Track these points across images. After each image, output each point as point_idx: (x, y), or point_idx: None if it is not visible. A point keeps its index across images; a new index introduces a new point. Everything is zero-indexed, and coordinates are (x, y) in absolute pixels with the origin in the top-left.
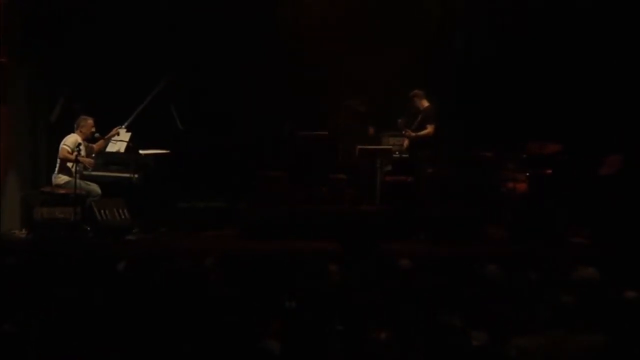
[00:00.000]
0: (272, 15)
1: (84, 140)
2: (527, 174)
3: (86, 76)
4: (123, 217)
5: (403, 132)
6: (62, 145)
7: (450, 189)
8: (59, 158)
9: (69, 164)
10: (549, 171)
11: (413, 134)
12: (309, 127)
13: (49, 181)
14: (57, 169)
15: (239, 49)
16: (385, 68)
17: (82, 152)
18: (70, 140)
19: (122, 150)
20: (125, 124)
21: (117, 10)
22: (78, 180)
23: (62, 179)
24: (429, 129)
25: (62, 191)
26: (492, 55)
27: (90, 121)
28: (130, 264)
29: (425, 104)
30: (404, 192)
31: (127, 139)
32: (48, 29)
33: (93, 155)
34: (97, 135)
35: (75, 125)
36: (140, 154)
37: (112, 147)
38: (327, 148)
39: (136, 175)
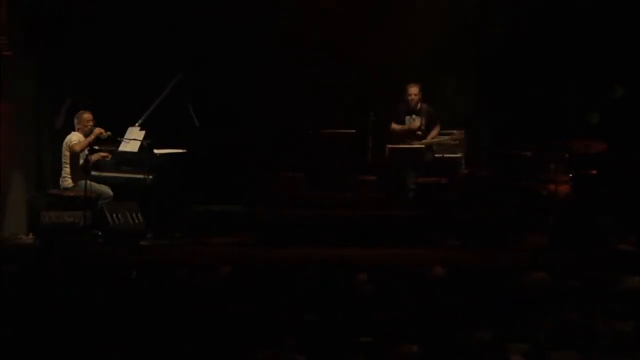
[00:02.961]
0: (291, 3)
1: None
2: (570, 175)
3: (95, 73)
4: (136, 221)
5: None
6: (69, 144)
7: (487, 192)
8: (67, 157)
9: (80, 162)
10: (594, 172)
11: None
12: (332, 124)
13: (55, 183)
14: (63, 171)
15: (256, 41)
16: (415, 59)
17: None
18: (75, 137)
19: (135, 149)
20: (139, 121)
21: (125, 5)
22: (88, 182)
23: (70, 182)
24: (437, 129)
25: (70, 194)
26: (532, 43)
27: (86, 115)
28: (143, 271)
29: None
30: (437, 194)
31: (140, 138)
32: (54, 24)
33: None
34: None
35: (75, 121)
36: (155, 154)
37: (124, 147)
38: (353, 147)
39: (150, 177)
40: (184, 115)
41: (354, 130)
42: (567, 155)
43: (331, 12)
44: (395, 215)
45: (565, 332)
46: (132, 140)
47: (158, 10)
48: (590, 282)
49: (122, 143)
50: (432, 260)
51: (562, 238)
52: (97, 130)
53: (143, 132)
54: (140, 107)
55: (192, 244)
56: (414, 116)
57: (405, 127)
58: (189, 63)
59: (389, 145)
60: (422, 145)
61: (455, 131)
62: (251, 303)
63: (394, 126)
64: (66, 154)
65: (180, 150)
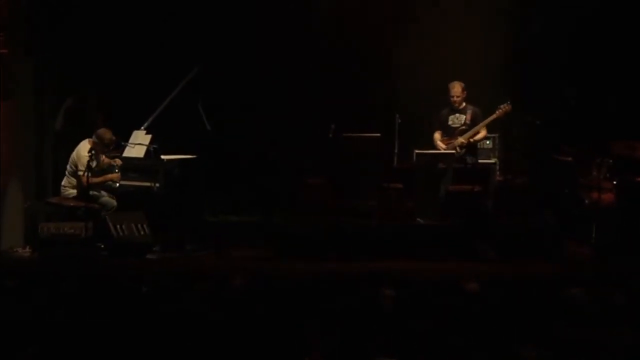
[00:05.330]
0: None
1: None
2: (614, 182)
3: (97, 73)
4: (142, 232)
5: (448, 141)
6: (82, 163)
7: (524, 200)
8: (74, 170)
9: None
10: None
11: (466, 141)
12: (356, 127)
13: (56, 191)
14: (67, 179)
15: (273, 39)
16: (445, 58)
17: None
18: (84, 154)
19: (141, 155)
20: (145, 125)
21: (131, 2)
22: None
23: (72, 192)
24: (484, 132)
25: (71, 203)
26: (570, 41)
27: (109, 136)
28: (150, 287)
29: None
30: (470, 203)
31: (146, 142)
32: (56, 19)
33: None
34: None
35: (94, 137)
36: (163, 160)
37: (129, 152)
38: (379, 152)
39: (157, 184)
40: (195, 117)
41: (379, 134)
42: (610, 159)
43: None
44: (425, 226)
45: (610, 352)
46: (138, 145)
47: (166, 6)
48: (636, 297)
49: (127, 148)
50: (465, 275)
51: (606, 249)
52: (113, 176)
53: (149, 136)
54: (146, 109)
55: (205, 257)
56: (457, 114)
57: (450, 146)
58: (201, 62)
59: (417, 150)
60: (453, 151)
61: (502, 105)
62: (270, 319)
63: (436, 137)
64: (76, 168)
65: (190, 156)
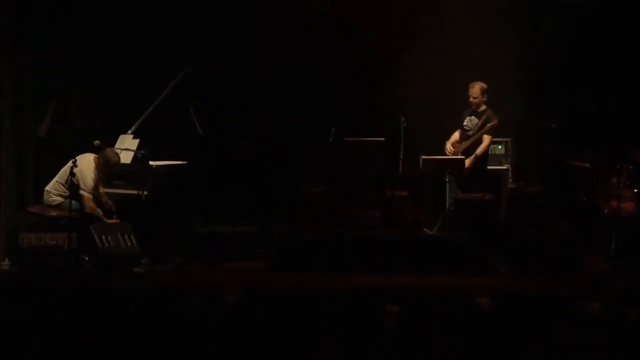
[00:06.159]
0: None
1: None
2: (635, 189)
3: (83, 75)
4: (129, 244)
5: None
6: (84, 176)
7: (538, 209)
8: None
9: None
10: None
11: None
12: (358, 131)
13: (37, 199)
14: (55, 185)
15: (272, 38)
16: (457, 59)
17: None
18: (90, 177)
19: (128, 161)
20: (132, 128)
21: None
22: (70, 200)
23: (56, 199)
24: (488, 140)
25: (53, 213)
26: (587, 44)
27: (115, 159)
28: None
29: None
30: (481, 212)
31: (134, 147)
32: (35, 18)
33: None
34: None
35: (100, 155)
36: (151, 166)
37: None
38: (383, 158)
39: (145, 192)
40: (185, 120)
41: (383, 139)
42: (631, 166)
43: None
44: (432, 237)
45: None
46: (125, 150)
47: (158, 2)
48: None
49: None
50: (476, 290)
51: (625, 262)
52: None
53: (137, 141)
54: (133, 112)
55: (196, 270)
56: (473, 117)
57: (457, 149)
58: (191, 62)
59: (424, 156)
60: (463, 157)
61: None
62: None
63: (453, 136)
64: (77, 184)
65: (180, 162)
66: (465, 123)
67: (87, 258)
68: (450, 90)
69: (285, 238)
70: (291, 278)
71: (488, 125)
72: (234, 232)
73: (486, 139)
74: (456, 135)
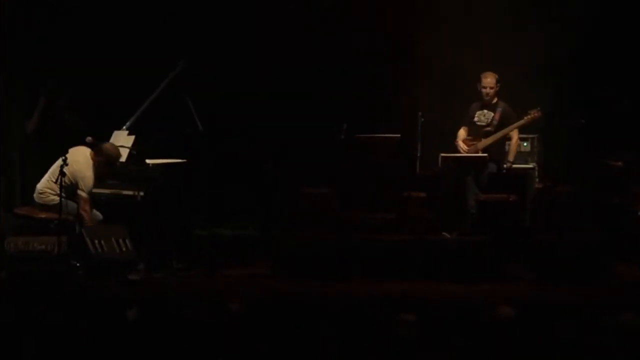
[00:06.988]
0: None
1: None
2: None
3: (74, 69)
4: (124, 249)
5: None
6: (83, 175)
7: (566, 211)
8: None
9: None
10: None
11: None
12: (371, 127)
13: (26, 200)
14: (48, 184)
15: (275, 30)
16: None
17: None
18: (89, 177)
19: (123, 159)
20: (127, 124)
21: None
22: (65, 201)
23: (53, 198)
24: (516, 136)
25: (42, 215)
26: (617, 39)
27: (116, 157)
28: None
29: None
30: (504, 215)
31: (129, 145)
32: (25, 12)
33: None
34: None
35: (101, 152)
36: (147, 165)
37: None
38: (398, 156)
39: (141, 193)
40: (184, 117)
41: (399, 135)
42: None
43: None
44: (451, 241)
45: None
46: (119, 147)
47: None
48: None
49: None
50: (498, 298)
51: None
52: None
53: (132, 138)
54: (128, 108)
55: (195, 277)
56: (485, 111)
57: (472, 148)
58: (189, 54)
59: (443, 154)
60: (486, 155)
61: (531, 111)
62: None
63: (460, 134)
64: (76, 183)
65: (178, 161)
66: (476, 118)
67: (78, 264)
68: (472, 84)
69: (288, 243)
70: (295, 285)
71: (528, 117)
72: (235, 236)
73: (515, 134)
74: (463, 133)
